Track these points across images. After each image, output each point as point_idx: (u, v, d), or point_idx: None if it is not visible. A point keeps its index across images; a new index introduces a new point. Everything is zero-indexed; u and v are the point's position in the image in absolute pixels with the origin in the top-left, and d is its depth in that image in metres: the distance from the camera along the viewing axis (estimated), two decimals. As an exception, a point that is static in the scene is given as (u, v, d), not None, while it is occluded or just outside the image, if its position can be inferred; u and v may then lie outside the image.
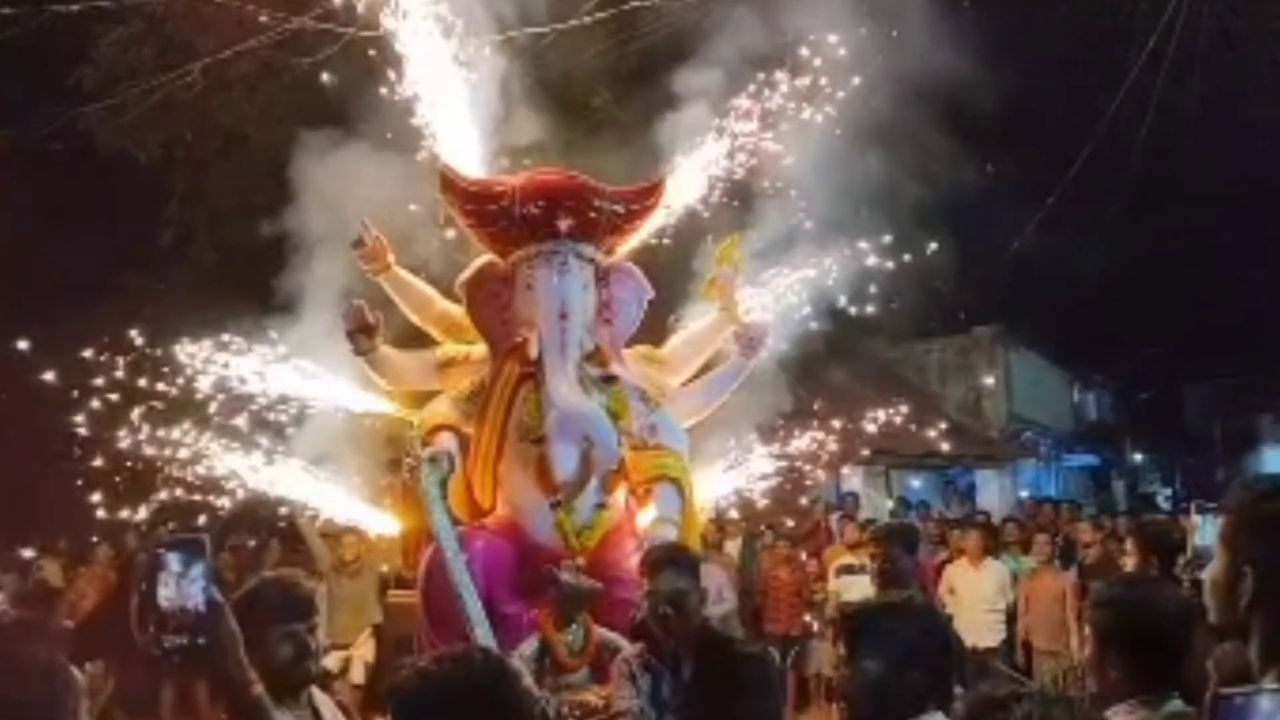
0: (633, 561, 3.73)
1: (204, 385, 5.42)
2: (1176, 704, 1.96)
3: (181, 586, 1.45)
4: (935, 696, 1.92)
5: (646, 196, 4.56)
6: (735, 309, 4.71)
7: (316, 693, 2.39)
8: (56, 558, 8.01)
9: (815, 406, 6.44)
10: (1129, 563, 3.63)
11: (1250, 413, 22.70)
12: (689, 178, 5.08)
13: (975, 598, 7.47)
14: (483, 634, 3.72)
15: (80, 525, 7.72)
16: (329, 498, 5.38)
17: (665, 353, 4.84)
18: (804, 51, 5.47)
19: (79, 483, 6.92)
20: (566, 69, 7.35)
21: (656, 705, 3.10)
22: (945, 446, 12.74)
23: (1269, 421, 22.59)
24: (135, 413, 5.90)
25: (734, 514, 7.99)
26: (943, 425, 12.68)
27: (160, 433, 5.78)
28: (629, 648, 3.40)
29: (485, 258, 4.55)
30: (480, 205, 4.41)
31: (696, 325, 4.93)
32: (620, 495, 4.38)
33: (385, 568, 6.92)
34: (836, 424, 6.26)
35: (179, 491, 5.87)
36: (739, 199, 5.40)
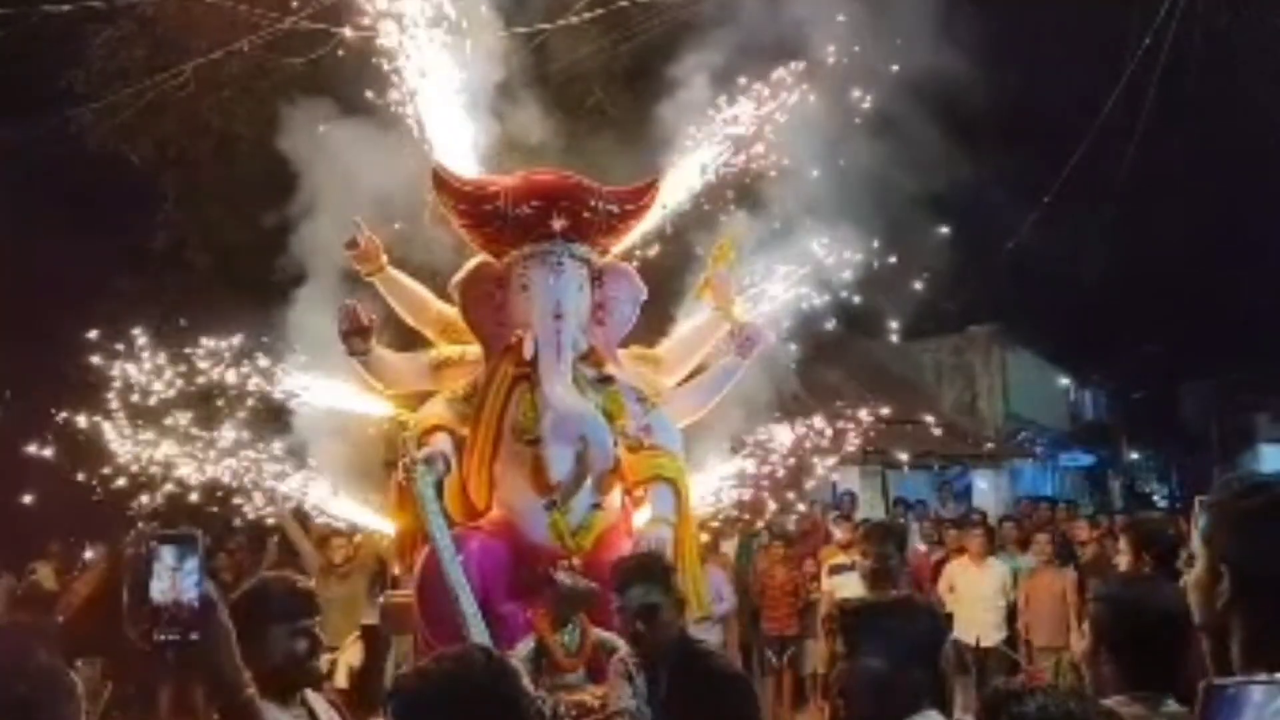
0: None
1: (200, 386, 5.40)
2: (1172, 706, 1.95)
3: (175, 581, 1.42)
4: (932, 695, 1.92)
5: (640, 196, 4.55)
6: (730, 309, 4.70)
7: (309, 692, 2.37)
8: (50, 561, 7.98)
9: (810, 406, 6.43)
10: (1122, 561, 3.62)
11: (1247, 411, 22.77)
12: (684, 176, 5.07)
13: (977, 596, 7.49)
14: (479, 634, 3.71)
15: (74, 528, 7.70)
16: (324, 497, 5.36)
17: (660, 353, 4.84)
18: (800, 52, 5.46)
19: (74, 486, 6.89)
20: (561, 67, 7.35)
21: (653, 705, 3.07)
22: (941, 446, 12.75)
23: (1266, 420, 22.66)
24: (130, 414, 5.87)
25: (731, 514, 8.00)
26: (939, 425, 12.69)
27: (154, 434, 5.76)
28: (625, 647, 3.38)
29: (480, 258, 4.54)
30: (474, 206, 4.40)
31: (691, 325, 4.93)
32: (616, 496, 4.36)
33: (376, 567, 6.90)
34: (832, 423, 6.25)
35: (171, 490, 5.85)
36: (734, 198, 5.39)
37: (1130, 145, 8.60)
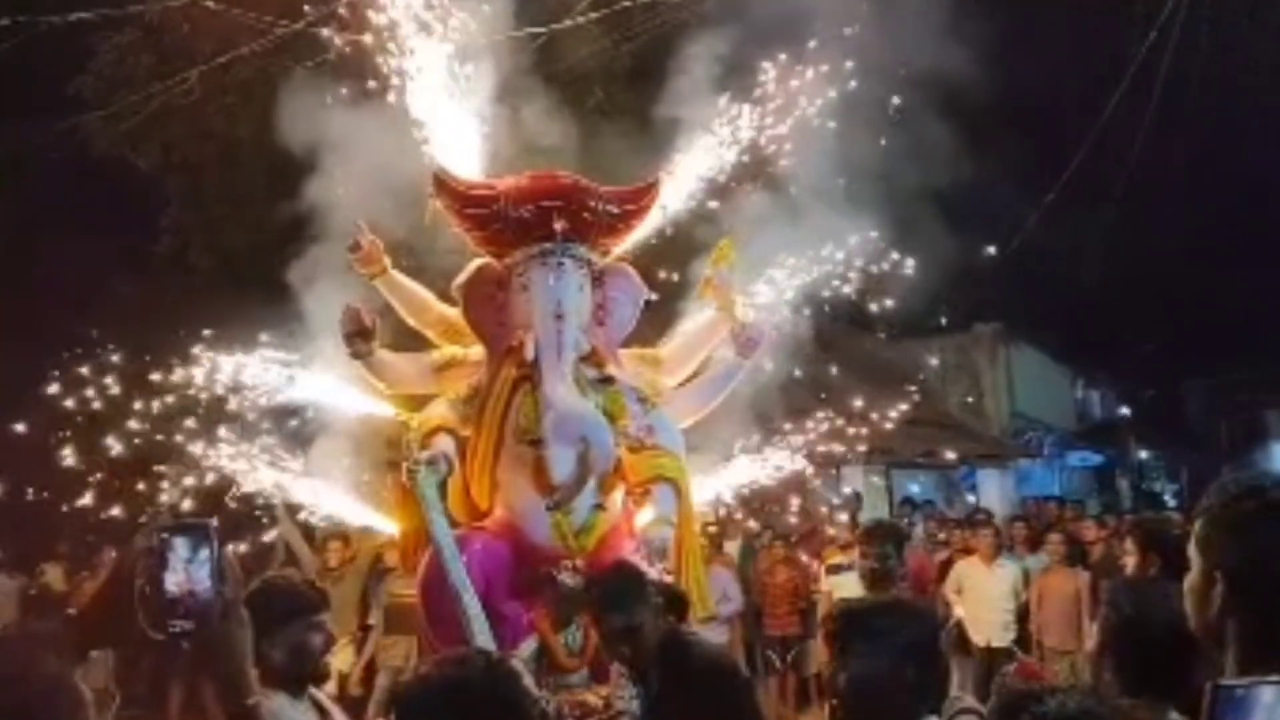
0: (630, 562, 3.71)
1: (202, 389, 5.42)
2: (1174, 717, 1.93)
3: (189, 572, 1.41)
4: (928, 699, 1.90)
5: (641, 197, 4.56)
6: (732, 309, 4.70)
7: (313, 689, 2.41)
8: (59, 562, 8.03)
9: (814, 405, 6.42)
10: (1129, 562, 3.61)
11: (1256, 408, 22.65)
12: (685, 176, 5.07)
13: (988, 597, 7.45)
14: (482, 635, 3.72)
15: (83, 530, 7.74)
16: (328, 499, 5.38)
17: (661, 353, 4.84)
18: (802, 50, 5.46)
19: (81, 487, 6.93)
20: (563, 68, 7.36)
21: (644, 703, 3.08)
22: (946, 445, 12.73)
23: (1276, 417, 22.52)
24: (134, 417, 5.91)
25: (735, 514, 8.00)
26: (944, 424, 12.67)
27: (160, 437, 5.79)
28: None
29: (481, 260, 4.55)
30: (475, 207, 4.41)
31: (693, 326, 4.93)
32: (618, 496, 4.37)
33: (369, 573, 6.92)
34: (836, 423, 6.24)
35: (179, 494, 5.88)
36: (736, 197, 5.39)
37: (1134, 144, 8.58)
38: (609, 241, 4.56)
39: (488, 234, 4.46)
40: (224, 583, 1.45)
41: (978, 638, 7.33)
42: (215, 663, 1.48)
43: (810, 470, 5.92)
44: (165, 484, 5.93)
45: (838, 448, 6.19)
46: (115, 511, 6.67)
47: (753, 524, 8.78)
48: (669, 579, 3.96)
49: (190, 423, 5.64)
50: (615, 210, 4.44)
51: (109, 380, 6.01)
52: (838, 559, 7.60)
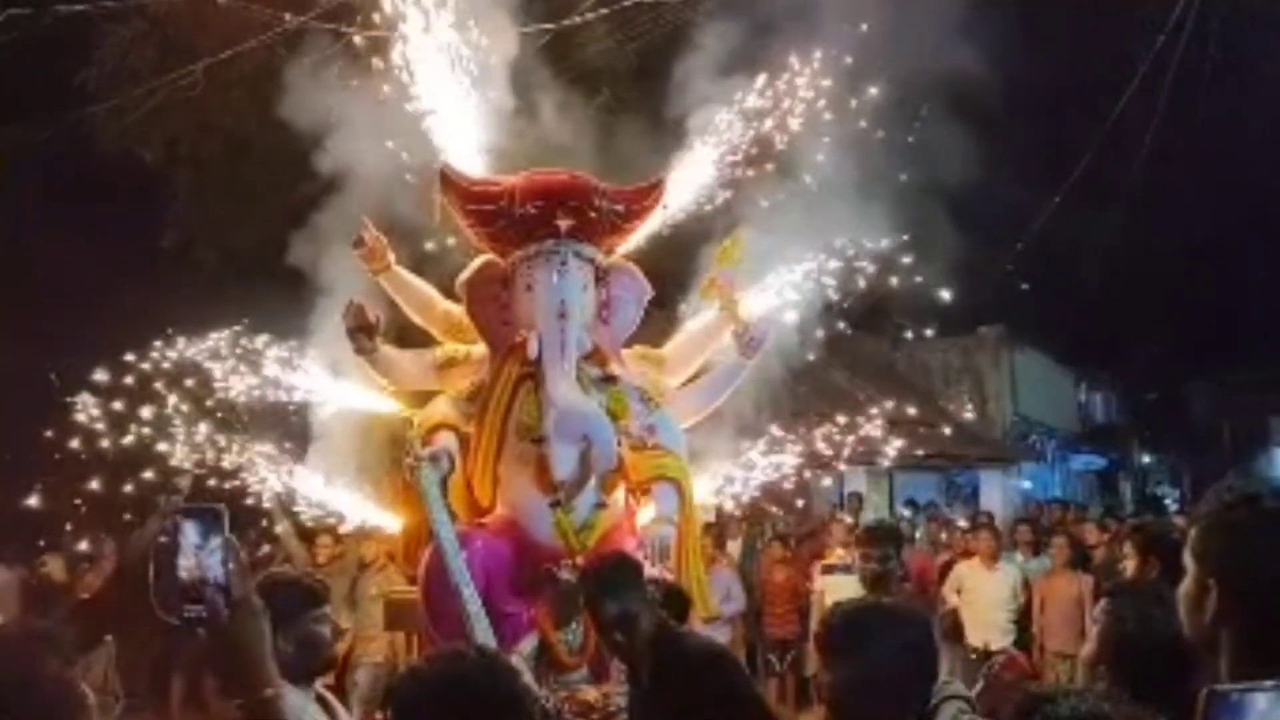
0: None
1: (206, 384, 5.43)
2: None
3: (200, 558, 1.37)
4: (918, 703, 1.88)
5: (646, 196, 4.55)
6: (735, 309, 4.69)
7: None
8: (60, 554, 8.03)
9: (817, 406, 6.42)
10: (1129, 565, 3.60)
11: (1260, 413, 22.59)
12: (690, 175, 5.07)
13: (987, 599, 7.44)
14: (482, 632, 3.72)
15: (84, 522, 7.75)
16: (329, 495, 5.38)
17: (664, 353, 4.84)
18: (805, 49, 5.45)
19: (83, 480, 6.95)
20: (569, 66, 7.35)
21: (636, 699, 3.07)
22: (949, 448, 12.70)
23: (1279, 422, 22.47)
24: (139, 411, 5.92)
25: (736, 514, 8.00)
26: (946, 426, 12.65)
27: (165, 430, 5.80)
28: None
29: (485, 257, 4.55)
30: (480, 205, 4.40)
31: (696, 325, 4.92)
32: (619, 495, 4.37)
33: (355, 572, 6.92)
34: (839, 424, 6.23)
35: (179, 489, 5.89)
36: (740, 197, 5.38)
37: (1141, 147, 8.57)
38: (613, 240, 4.56)
39: (492, 231, 4.45)
40: (237, 569, 1.42)
41: (976, 640, 7.32)
42: (229, 651, 1.43)
43: (812, 471, 5.92)
44: (165, 479, 5.93)
45: (840, 449, 6.19)
46: (115, 505, 6.69)
47: (754, 524, 8.78)
48: (670, 578, 3.96)
49: (189, 417, 5.65)
50: (620, 209, 4.43)
51: (110, 375, 6.01)
52: (833, 559, 7.60)
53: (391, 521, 5.05)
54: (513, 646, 3.80)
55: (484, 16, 5.14)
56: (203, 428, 5.73)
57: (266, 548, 7.61)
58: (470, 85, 4.88)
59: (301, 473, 5.31)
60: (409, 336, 4.91)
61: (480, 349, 4.55)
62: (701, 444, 4.91)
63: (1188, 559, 1.40)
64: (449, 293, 4.71)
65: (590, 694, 3.84)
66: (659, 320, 5.10)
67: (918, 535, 9.54)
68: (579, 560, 4.09)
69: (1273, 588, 1.29)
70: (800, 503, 7.73)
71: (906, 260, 6.04)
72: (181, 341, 5.59)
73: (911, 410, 12.27)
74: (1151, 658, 1.96)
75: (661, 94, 5.52)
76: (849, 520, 8.38)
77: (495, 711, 1.57)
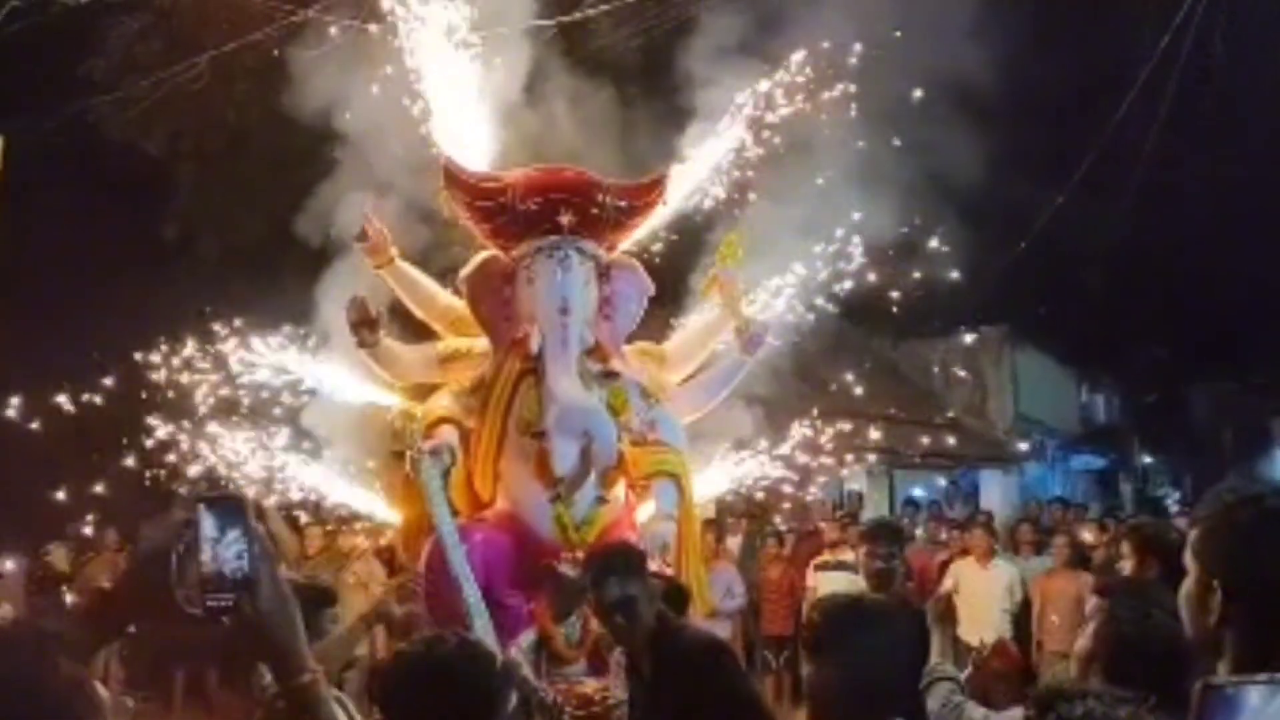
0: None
1: (209, 375, 5.45)
2: None
3: (218, 551, 1.33)
4: (904, 701, 1.87)
5: (649, 192, 4.56)
6: (736, 306, 4.70)
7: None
8: (64, 543, 8.05)
9: (817, 406, 6.42)
10: (1126, 565, 3.59)
11: (1262, 415, 22.54)
12: (693, 172, 5.07)
13: (981, 597, 7.44)
14: (482, 625, 3.75)
15: (87, 512, 7.77)
16: (332, 487, 5.40)
17: (666, 349, 4.85)
18: (812, 44, 5.45)
19: (88, 470, 6.97)
20: (573, 61, 7.35)
21: (636, 691, 3.08)
22: (949, 447, 12.70)
23: (1281, 424, 22.42)
24: (138, 404, 5.94)
25: (736, 512, 8.01)
26: (946, 426, 12.66)
27: (170, 423, 5.83)
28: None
29: (487, 253, 4.56)
30: (483, 200, 4.42)
31: (697, 322, 4.93)
32: (619, 490, 4.39)
33: (338, 565, 6.93)
34: (839, 423, 6.24)
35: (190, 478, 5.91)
36: (743, 194, 5.39)
37: (1143, 147, 8.56)
38: (615, 236, 4.57)
39: (495, 227, 4.47)
40: (262, 557, 1.38)
41: (971, 637, 7.33)
42: (260, 641, 1.39)
43: (813, 467, 5.93)
44: (164, 470, 5.95)
45: (840, 447, 6.20)
46: (117, 495, 6.71)
47: (755, 522, 8.79)
48: (669, 573, 3.97)
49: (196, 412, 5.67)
50: (622, 205, 4.44)
51: (112, 367, 6.03)
52: (827, 557, 7.62)
53: (381, 508, 5.08)
54: (512, 640, 3.82)
55: (491, 9, 5.15)
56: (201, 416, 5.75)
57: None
58: (476, 77, 4.88)
59: (295, 461, 5.32)
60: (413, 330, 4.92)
61: (482, 343, 4.56)
62: (701, 440, 4.93)
63: (1190, 560, 1.40)
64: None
65: (589, 687, 3.85)
66: (660, 316, 5.10)
67: (918, 534, 9.55)
68: (579, 555, 4.10)
69: (1277, 588, 1.30)
70: (810, 495, 7.71)
71: (909, 259, 6.05)
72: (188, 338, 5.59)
73: (912, 409, 12.29)
74: (1148, 658, 1.96)
75: (667, 88, 5.53)
76: (852, 519, 8.38)
77: (463, 694, 1.65)
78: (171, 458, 5.86)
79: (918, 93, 6.16)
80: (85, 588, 7.14)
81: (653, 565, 3.75)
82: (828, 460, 6.13)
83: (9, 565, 7.25)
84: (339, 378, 5.15)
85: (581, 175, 4.42)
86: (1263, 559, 1.32)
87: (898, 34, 5.90)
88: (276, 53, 6.93)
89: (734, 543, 8.70)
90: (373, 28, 5.58)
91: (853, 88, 5.50)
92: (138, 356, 6.01)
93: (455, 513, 4.17)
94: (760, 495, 5.84)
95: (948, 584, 7.45)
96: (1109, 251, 12.78)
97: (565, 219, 4.28)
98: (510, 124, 5.07)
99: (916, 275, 6.49)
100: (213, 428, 5.49)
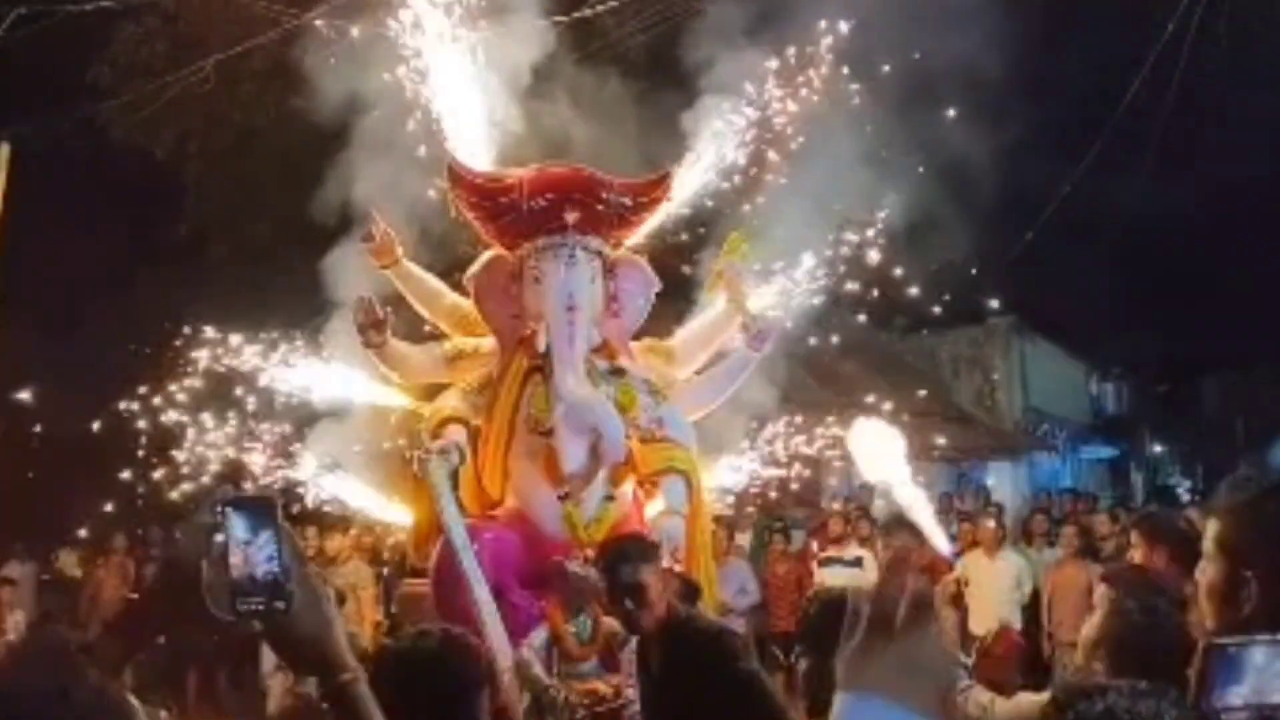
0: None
1: (218, 377, 5.47)
2: None
3: (249, 554, 1.31)
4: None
5: (653, 189, 4.56)
6: (743, 302, 4.70)
7: None
8: (74, 548, 8.12)
9: (827, 398, 6.41)
10: (1135, 555, 3.58)
11: (1274, 404, 22.39)
12: (699, 168, 5.06)
13: (990, 588, 7.43)
14: (492, 624, 3.75)
15: (97, 516, 7.82)
16: (341, 488, 5.42)
17: (673, 345, 4.85)
18: (815, 37, 5.42)
19: (96, 473, 7.01)
20: (577, 58, 7.34)
21: (645, 681, 3.08)
22: (959, 439, 12.67)
23: (1294, 413, 22.26)
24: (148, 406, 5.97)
25: (746, 507, 8.00)
26: (955, 418, 12.63)
27: (179, 420, 5.86)
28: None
29: (493, 251, 4.57)
30: (488, 199, 4.43)
31: (704, 318, 4.93)
32: (628, 487, 4.39)
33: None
34: (848, 415, 6.21)
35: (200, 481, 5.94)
36: (748, 190, 5.38)
37: (1152, 136, 8.50)
38: (621, 233, 4.57)
39: (500, 225, 4.47)
40: (293, 557, 1.35)
41: (979, 628, 7.32)
42: (293, 644, 1.38)
43: (823, 464, 5.92)
44: (176, 472, 5.98)
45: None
46: (123, 498, 6.75)
47: (765, 517, 8.77)
48: (679, 569, 3.97)
49: (200, 409, 5.69)
50: (627, 202, 4.44)
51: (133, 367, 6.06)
52: (831, 552, 7.61)
53: (375, 506, 5.10)
54: (522, 638, 3.83)
55: (497, 8, 5.14)
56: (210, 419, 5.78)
57: None
58: (479, 78, 4.88)
59: (301, 461, 5.35)
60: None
61: (489, 342, 4.57)
62: (709, 435, 4.92)
63: (1213, 551, 1.39)
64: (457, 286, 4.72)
65: (600, 685, 3.86)
66: (667, 313, 5.10)
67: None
68: (588, 553, 4.11)
69: None
70: (811, 495, 7.72)
71: (916, 249, 6.02)
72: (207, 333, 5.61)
73: (921, 401, 12.26)
74: (1155, 657, 1.95)
75: (672, 83, 5.51)
76: (862, 512, 8.36)
77: (449, 684, 1.75)
78: (180, 455, 5.89)
79: (927, 80, 6.13)
80: (95, 593, 7.21)
81: (663, 561, 3.75)
82: (836, 454, 6.11)
83: (20, 570, 7.31)
84: (342, 379, 5.16)
85: (586, 173, 4.42)
86: None
87: (906, 18, 5.85)
88: (281, 55, 6.94)
89: (743, 539, 8.69)
90: (378, 28, 5.58)
91: (859, 75, 5.47)
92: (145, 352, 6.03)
93: (464, 512, 4.18)
94: (773, 494, 5.82)
95: (955, 573, 7.46)
96: (1118, 242, 12.71)
97: (570, 217, 4.28)
98: (514, 123, 5.07)
99: (925, 267, 6.46)
100: (207, 422, 5.51)
